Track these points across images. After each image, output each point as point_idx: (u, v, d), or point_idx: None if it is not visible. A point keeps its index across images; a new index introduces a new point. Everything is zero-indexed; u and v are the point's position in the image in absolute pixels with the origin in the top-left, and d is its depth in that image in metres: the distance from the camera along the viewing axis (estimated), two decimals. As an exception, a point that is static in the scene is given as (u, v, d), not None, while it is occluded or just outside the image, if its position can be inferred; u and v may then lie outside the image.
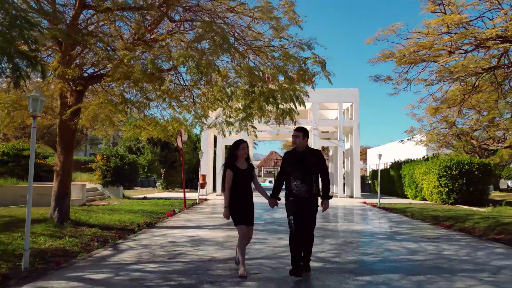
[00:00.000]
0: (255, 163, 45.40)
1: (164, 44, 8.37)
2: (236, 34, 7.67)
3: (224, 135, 11.21)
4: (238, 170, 4.87)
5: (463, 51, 8.65)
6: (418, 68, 10.16)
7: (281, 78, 7.81)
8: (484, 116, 20.80)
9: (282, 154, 60.81)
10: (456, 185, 16.56)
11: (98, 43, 7.28)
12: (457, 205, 16.26)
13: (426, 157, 21.75)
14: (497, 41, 8.48)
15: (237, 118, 9.92)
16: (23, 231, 5.82)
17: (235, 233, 8.58)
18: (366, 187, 29.66)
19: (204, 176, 21.07)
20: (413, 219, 11.35)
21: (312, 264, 5.11)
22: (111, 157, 18.76)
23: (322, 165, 4.88)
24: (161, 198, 18.11)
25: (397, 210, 13.89)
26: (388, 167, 26.22)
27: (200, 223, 10.05)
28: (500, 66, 9.14)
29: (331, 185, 27.18)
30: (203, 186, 20.57)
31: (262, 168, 59.55)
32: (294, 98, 7.56)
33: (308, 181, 4.69)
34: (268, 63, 7.88)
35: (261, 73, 7.87)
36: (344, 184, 24.20)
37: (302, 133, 4.92)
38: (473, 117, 22.30)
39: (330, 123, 23.94)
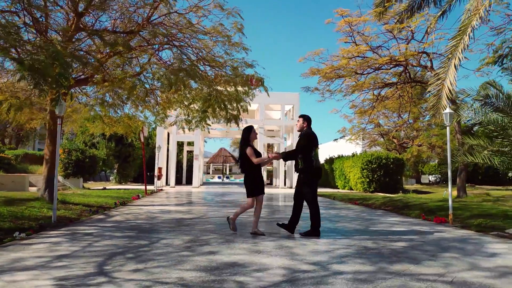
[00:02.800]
0: (204, 160, 47.41)
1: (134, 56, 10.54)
2: (199, 55, 10.04)
3: (184, 131, 13.51)
4: (255, 149, 5.97)
5: (366, 73, 11.70)
6: (339, 81, 13.15)
7: (231, 89, 10.33)
8: (402, 119, 24.70)
9: (231, 151, 63.04)
10: (375, 176, 20.05)
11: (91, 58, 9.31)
12: (375, 193, 19.71)
13: (356, 154, 25.33)
14: (390, 65, 11.58)
15: (193, 117, 12.24)
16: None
17: (194, 207, 11.01)
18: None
19: (160, 169, 22.98)
20: (334, 200, 14.41)
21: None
22: (73, 151, 20.18)
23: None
24: (120, 189, 19.85)
25: (325, 195, 16.97)
26: (323, 163, 29.73)
27: (164, 203, 12.29)
28: (395, 83, 12.30)
29: (275, 178, 30.14)
30: (159, 177, 22.48)
31: (211, 164, 61.25)
32: (239, 106, 10.10)
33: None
34: (222, 79, 10.35)
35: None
36: (285, 177, 27.18)
37: (301, 118, 6.23)
38: (395, 120, 26.27)
39: (274, 122, 26.82)
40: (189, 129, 13.77)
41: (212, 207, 10.83)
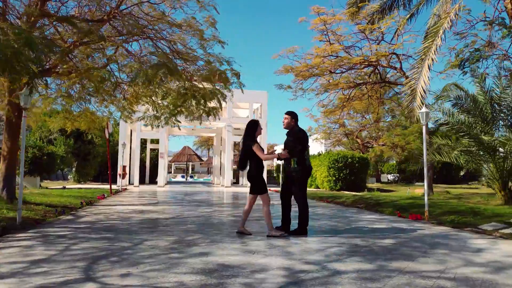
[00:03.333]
0: (168, 158, 46.43)
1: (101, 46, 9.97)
2: (174, 49, 9.67)
3: (152, 128, 12.99)
4: (260, 145, 5.71)
5: (340, 72, 11.82)
6: (312, 80, 13.20)
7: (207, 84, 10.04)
8: (366, 119, 25.37)
9: (194, 150, 62.03)
10: (341, 174, 20.42)
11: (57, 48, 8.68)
12: (341, 191, 20.08)
13: (322, 152, 25.72)
14: (362, 65, 11.75)
15: (163, 113, 11.80)
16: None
17: (167, 207, 10.62)
18: (271, 179, 33.18)
19: (124, 167, 22.15)
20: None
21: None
22: (29, 147, 18.94)
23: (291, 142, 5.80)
24: (80, 188, 18.88)
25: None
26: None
27: (132, 202, 11.78)
28: (366, 83, 12.52)
29: (242, 177, 29.98)
30: (124, 176, 21.66)
31: (173, 163, 60.02)
32: (220, 98, 9.83)
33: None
34: (198, 73, 10.04)
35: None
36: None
37: (289, 116, 5.91)
38: (359, 120, 26.95)
39: (242, 120, 26.64)
40: (158, 126, 13.29)
41: (185, 207, 10.49)
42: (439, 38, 9.14)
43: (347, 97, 13.20)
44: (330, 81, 11.78)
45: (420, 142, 24.64)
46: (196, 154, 57.89)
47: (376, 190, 19.70)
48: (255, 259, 4.20)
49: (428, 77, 9.05)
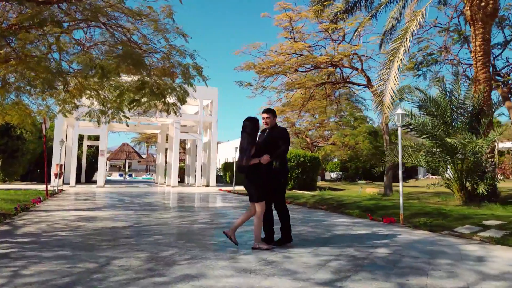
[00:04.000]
0: (107, 155, 43.66)
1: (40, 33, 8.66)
2: (132, 40, 8.64)
3: (99, 124, 11.72)
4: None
5: (304, 70, 11.48)
6: (276, 77, 12.74)
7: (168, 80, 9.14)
8: (316, 118, 25.60)
9: (133, 147, 59.21)
10: (294, 174, 20.32)
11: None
12: (293, 190, 19.96)
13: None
14: (327, 64, 11.52)
15: (109, 108, 10.66)
16: None
17: (119, 212, 9.52)
18: (218, 178, 32.41)
19: (61, 166, 20.18)
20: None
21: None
22: None
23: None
24: (9, 189, 16.77)
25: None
26: (238, 160, 29.44)
27: (76, 206, 10.49)
28: (328, 82, 12.33)
29: (187, 176, 28.90)
30: (60, 176, 19.72)
31: (108, 161, 56.73)
32: (180, 94, 8.97)
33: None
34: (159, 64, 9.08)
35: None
36: (201, 175, 26.19)
37: (270, 113, 5.27)
38: (308, 119, 27.14)
39: (191, 117, 25.60)
40: (105, 123, 12.06)
41: (139, 212, 9.48)
42: (407, 39, 9.13)
43: (308, 96, 12.99)
44: (294, 80, 11.45)
45: (368, 142, 25.51)
46: (135, 151, 55.29)
47: (328, 189, 19.85)
48: (256, 281, 3.58)
49: (396, 77, 9.01)
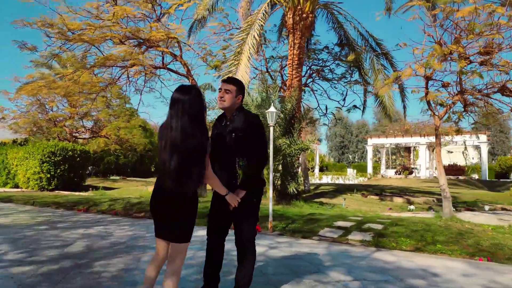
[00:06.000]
0: None
1: None
2: None
3: None
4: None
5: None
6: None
7: None
8: (80, 108, 21.78)
9: None
10: (58, 171, 16.47)
11: None
12: (57, 191, 16.15)
13: (19, 141, 19.96)
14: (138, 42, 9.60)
15: None
16: None
17: None
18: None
19: None
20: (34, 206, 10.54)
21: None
22: None
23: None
24: None
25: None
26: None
27: None
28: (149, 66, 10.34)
29: None
30: None
31: None
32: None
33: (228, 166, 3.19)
34: None
35: None
36: None
37: (234, 85, 3.21)
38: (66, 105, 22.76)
39: None
40: None
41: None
42: (256, 31, 8.63)
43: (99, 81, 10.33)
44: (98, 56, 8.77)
45: (144, 137, 23.81)
46: None
47: (102, 188, 17.10)
48: None
49: (246, 71, 8.32)
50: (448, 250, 5.63)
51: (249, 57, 8.33)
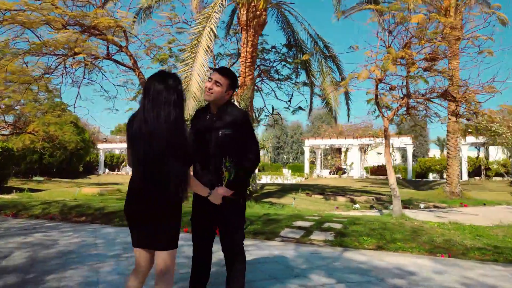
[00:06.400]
0: None
1: None
2: None
3: None
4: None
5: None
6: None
7: None
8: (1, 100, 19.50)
9: None
10: (-25, 171, 14.60)
11: None
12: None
13: None
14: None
15: None
16: None
17: None
18: None
19: None
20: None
21: None
22: None
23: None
24: None
25: None
26: None
27: None
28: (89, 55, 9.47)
29: None
30: None
31: None
32: None
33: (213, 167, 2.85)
34: None
35: None
36: None
37: (226, 78, 2.85)
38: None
39: None
40: None
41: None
42: (213, 23, 8.25)
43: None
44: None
45: (76, 134, 21.87)
46: None
47: (27, 190, 15.46)
48: None
49: (202, 63, 7.87)
50: (408, 248, 5.77)
51: (206, 49, 7.93)
